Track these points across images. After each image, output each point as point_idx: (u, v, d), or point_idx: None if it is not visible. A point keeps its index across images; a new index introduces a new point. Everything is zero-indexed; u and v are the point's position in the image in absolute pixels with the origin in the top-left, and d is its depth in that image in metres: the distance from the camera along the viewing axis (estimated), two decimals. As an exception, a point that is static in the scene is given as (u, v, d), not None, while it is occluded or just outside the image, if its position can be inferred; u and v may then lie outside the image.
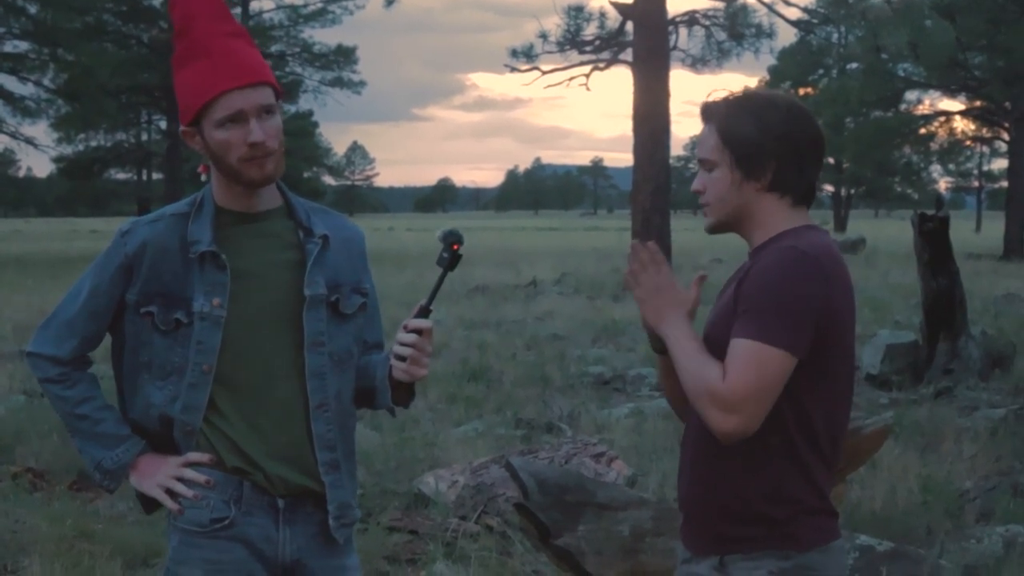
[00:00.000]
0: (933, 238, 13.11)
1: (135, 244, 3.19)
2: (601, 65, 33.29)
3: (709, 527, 3.07)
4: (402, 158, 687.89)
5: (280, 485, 3.22)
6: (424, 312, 3.22)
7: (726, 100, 3.10)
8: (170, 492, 3.19)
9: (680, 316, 3.05)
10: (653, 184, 27.92)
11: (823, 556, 3.01)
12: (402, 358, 3.21)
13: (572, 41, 33.94)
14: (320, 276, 3.25)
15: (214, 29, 3.17)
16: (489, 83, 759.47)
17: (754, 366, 2.87)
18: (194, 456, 3.19)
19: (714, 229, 3.16)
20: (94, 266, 3.26)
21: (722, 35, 35.24)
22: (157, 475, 3.21)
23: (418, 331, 3.20)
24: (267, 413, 3.22)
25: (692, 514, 3.14)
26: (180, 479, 3.18)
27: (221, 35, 3.17)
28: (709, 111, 3.11)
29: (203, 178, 3.23)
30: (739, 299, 2.96)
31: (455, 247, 3.21)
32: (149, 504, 3.31)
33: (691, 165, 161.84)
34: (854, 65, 57.70)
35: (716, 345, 2.99)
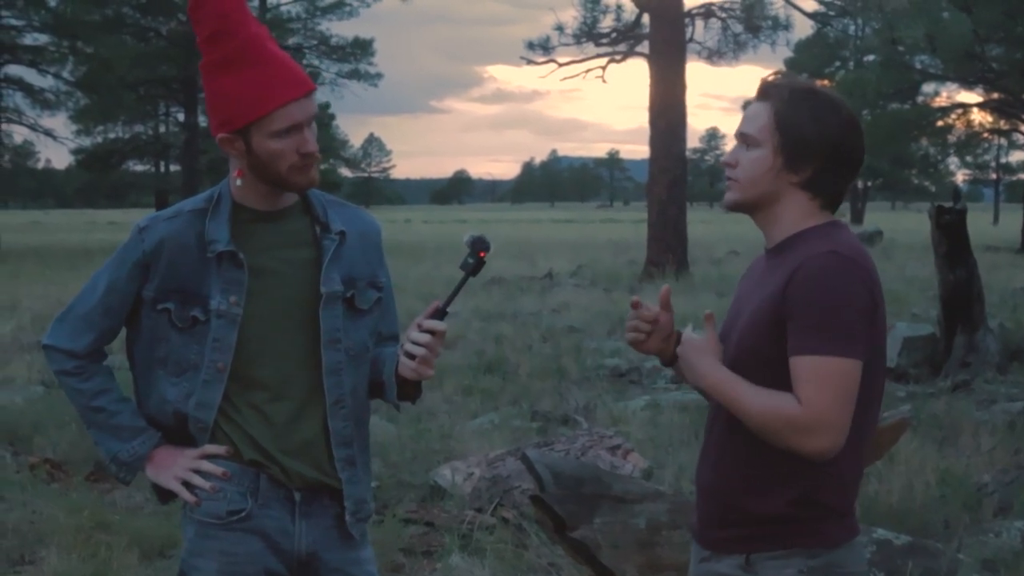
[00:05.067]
0: (950, 231, 13.07)
1: (153, 241, 3.18)
2: (617, 57, 33.24)
3: (733, 528, 3.04)
4: (419, 150, 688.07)
5: (297, 478, 3.22)
6: (440, 313, 3.18)
7: (791, 86, 3.06)
8: (187, 484, 3.19)
9: (714, 362, 3.00)
10: (669, 176, 27.88)
11: (849, 552, 3.00)
12: (412, 356, 3.18)
13: (588, 33, 33.90)
14: (336, 273, 3.24)
15: (256, 32, 3.13)
16: (507, 75, 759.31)
17: (829, 381, 2.82)
18: (211, 448, 3.20)
19: (735, 206, 3.11)
20: (111, 261, 3.26)
21: (738, 27, 35.17)
22: (174, 467, 3.21)
23: (431, 332, 3.16)
24: (283, 410, 3.22)
25: (714, 514, 3.10)
26: (197, 471, 3.19)
27: (263, 39, 3.13)
28: (769, 91, 3.07)
29: (238, 183, 3.20)
30: (786, 310, 2.90)
31: (481, 254, 3.16)
32: (164, 495, 3.32)
33: (707, 157, 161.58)
34: (871, 57, 57.49)
35: (749, 351, 2.97)
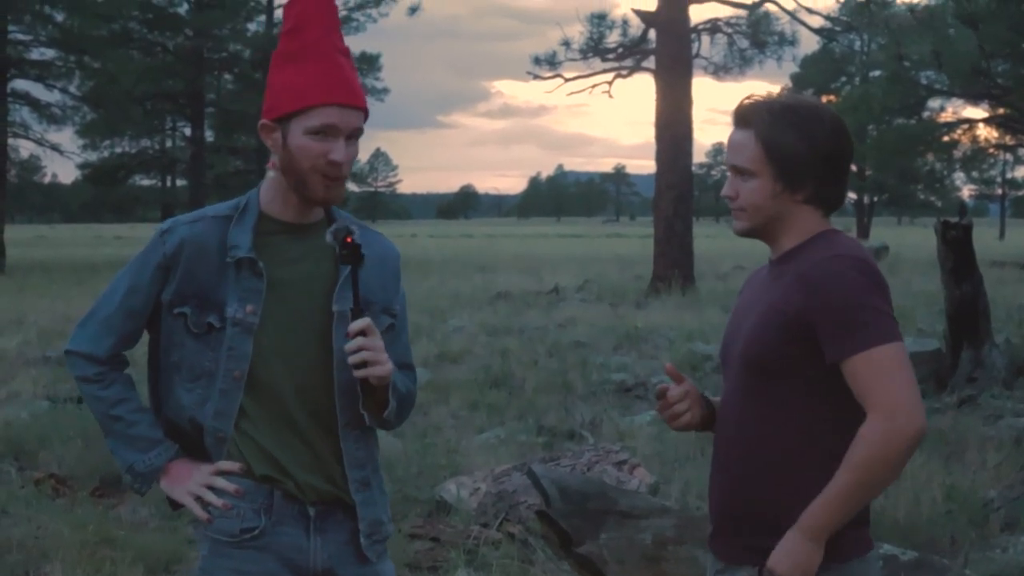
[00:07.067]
0: (956, 246, 13.04)
1: (174, 243, 3.17)
2: (624, 72, 33.26)
3: (745, 538, 3.04)
4: (425, 165, 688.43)
5: (311, 492, 3.20)
6: (356, 313, 3.12)
7: (769, 108, 3.04)
8: (200, 500, 3.17)
9: (800, 541, 2.93)
10: (676, 191, 27.88)
11: (862, 566, 3.00)
12: (359, 365, 3.10)
13: (595, 49, 33.96)
14: (349, 292, 3.20)
15: (329, 40, 3.18)
16: (514, 90, 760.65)
17: (885, 370, 2.86)
18: (225, 465, 3.17)
19: (746, 234, 3.13)
20: (132, 264, 3.25)
21: (744, 43, 35.22)
22: (188, 482, 3.19)
23: (361, 332, 3.10)
24: (295, 427, 3.20)
25: (726, 524, 3.11)
26: (210, 487, 3.16)
27: (334, 48, 3.18)
28: (748, 117, 3.06)
29: (270, 173, 3.20)
30: (806, 318, 2.92)
31: (348, 239, 3.12)
32: (176, 503, 3.29)
33: (714, 172, 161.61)
34: (877, 73, 57.56)
35: (756, 358, 2.99)
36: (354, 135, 3.16)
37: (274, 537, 3.18)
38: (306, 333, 3.20)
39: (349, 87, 3.15)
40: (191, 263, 3.16)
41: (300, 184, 3.15)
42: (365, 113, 3.20)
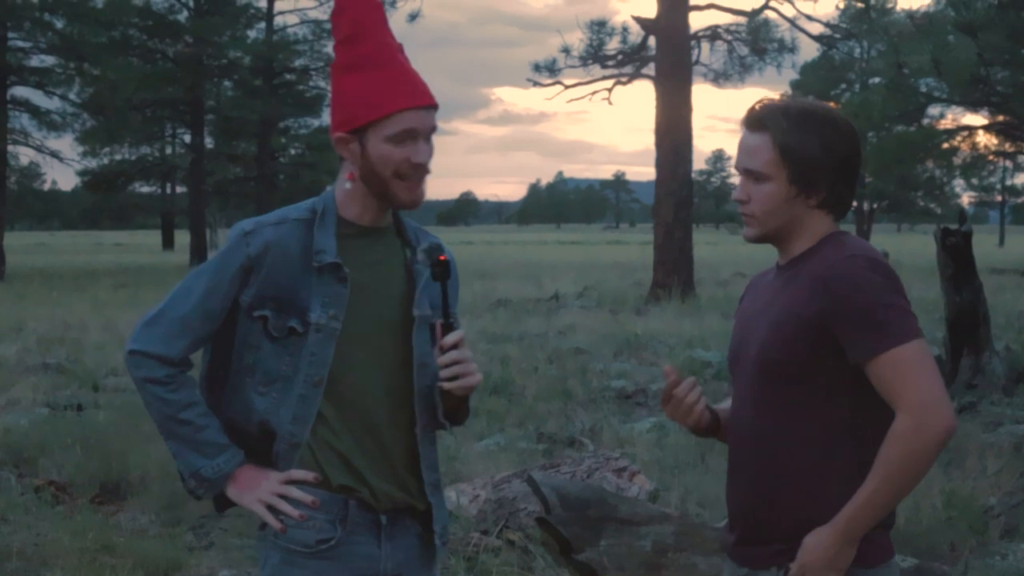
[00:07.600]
0: (956, 253, 13.04)
1: (259, 245, 3.13)
2: (624, 79, 33.25)
3: (773, 545, 3.03)
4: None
5: (385, 500, 3.19)
6: (447, 328, 3.15)
7: (785, 112, 3.03)
8: (271, 508, 3.13)
9: (826, 537, 2.94)
10: (675, 198, 27.89)
11: (886, 571, 3.02)
12: (452, 378, 3.13)
13: (595, 56, 33.92)
14: (426, 297, 3.22)
15: (388, 43, 3.17)
16: (514, 97, 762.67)
17: (913, 369, 2.86)
18: (298, 474, 3.13)
19: (757, 240, 3.12)
20: (210, 265, 3.19)
21: (744, 50, 35.19)
22: (258, 490, 3.15)
23: (454, 346, 3.13)
24: (375, 431, 3.18)
25: (750, 533, 3.10)
26: (284, 496, 3.13)
27: (394, 50, 3.17)
28: (763, 121, 3.04)
29: (347, 185, 3.18)
30: (825, 320, 2.91)
31: (441, 258, 3.18)
32: (223, 504, 3.26)
33: (714, 179, 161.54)
34: (876, 80, 57.55)
35: (775, 363, 2.98)
36: (432, 133, 3.16)
37: (348, 547, 3.16)
38: (386, 337, 3.19)
39: (421, 88, 3.15)
40: (275, 266, 3.13)
41: (384, 191, 3.14)
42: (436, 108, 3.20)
